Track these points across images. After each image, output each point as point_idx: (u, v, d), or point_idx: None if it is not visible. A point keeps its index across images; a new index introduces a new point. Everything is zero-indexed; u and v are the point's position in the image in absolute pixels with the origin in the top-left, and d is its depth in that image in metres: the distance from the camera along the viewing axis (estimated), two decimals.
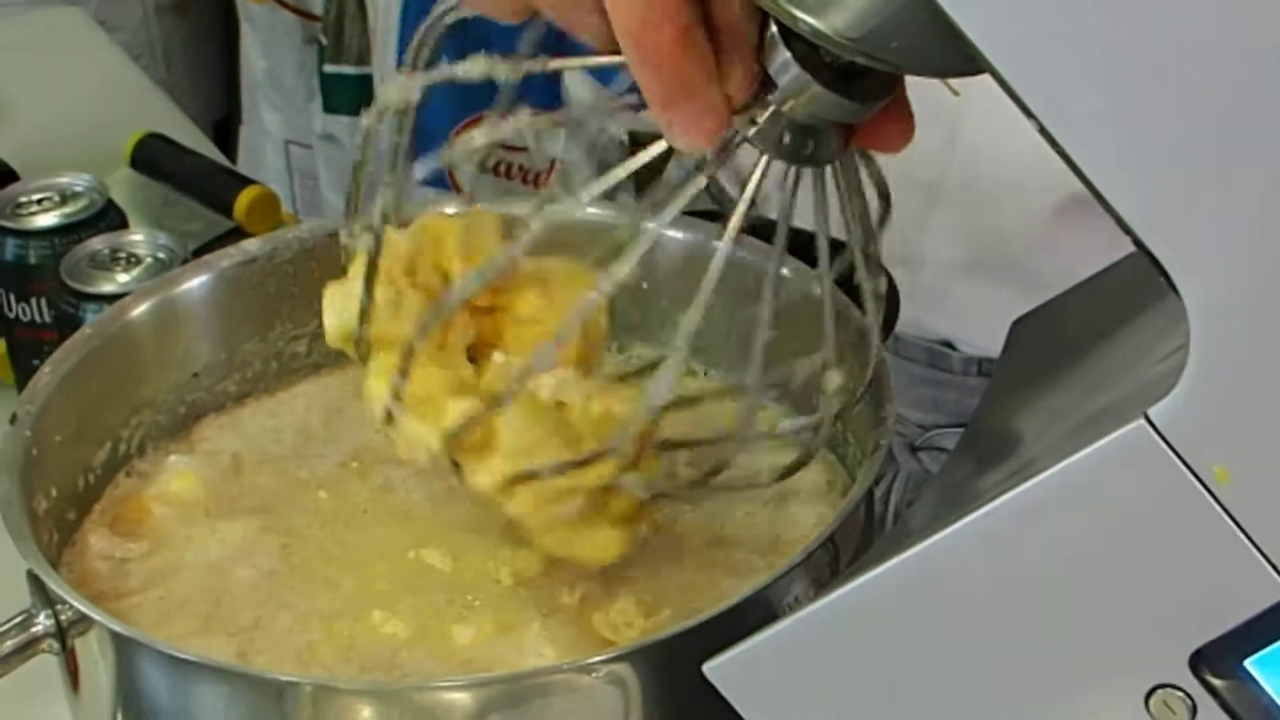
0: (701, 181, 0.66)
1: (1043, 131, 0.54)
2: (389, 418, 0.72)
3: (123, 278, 1.01)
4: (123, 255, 1.03)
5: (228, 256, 0.89)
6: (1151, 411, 0.56)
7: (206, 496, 0.85)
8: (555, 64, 0.66)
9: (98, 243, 1.04)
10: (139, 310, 0.86)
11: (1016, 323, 0.79)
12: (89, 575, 0.81)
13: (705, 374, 0.90)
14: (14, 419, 0.79)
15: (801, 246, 0.70)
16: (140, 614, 0.79)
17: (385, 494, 0.85)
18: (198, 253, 1.06)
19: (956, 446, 0.78)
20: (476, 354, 0.75)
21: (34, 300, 1.08)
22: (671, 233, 0.85)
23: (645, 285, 0.88)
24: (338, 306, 0.73)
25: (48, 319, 1.07)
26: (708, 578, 0.79)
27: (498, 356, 0.74)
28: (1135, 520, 0.58)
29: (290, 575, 0.81)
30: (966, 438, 0.78)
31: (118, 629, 0.71)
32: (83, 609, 0.71)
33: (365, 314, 0.71)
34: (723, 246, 0.64)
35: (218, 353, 0.89)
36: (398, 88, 0.68)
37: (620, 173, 0.66)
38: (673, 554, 0.80)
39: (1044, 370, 0.73)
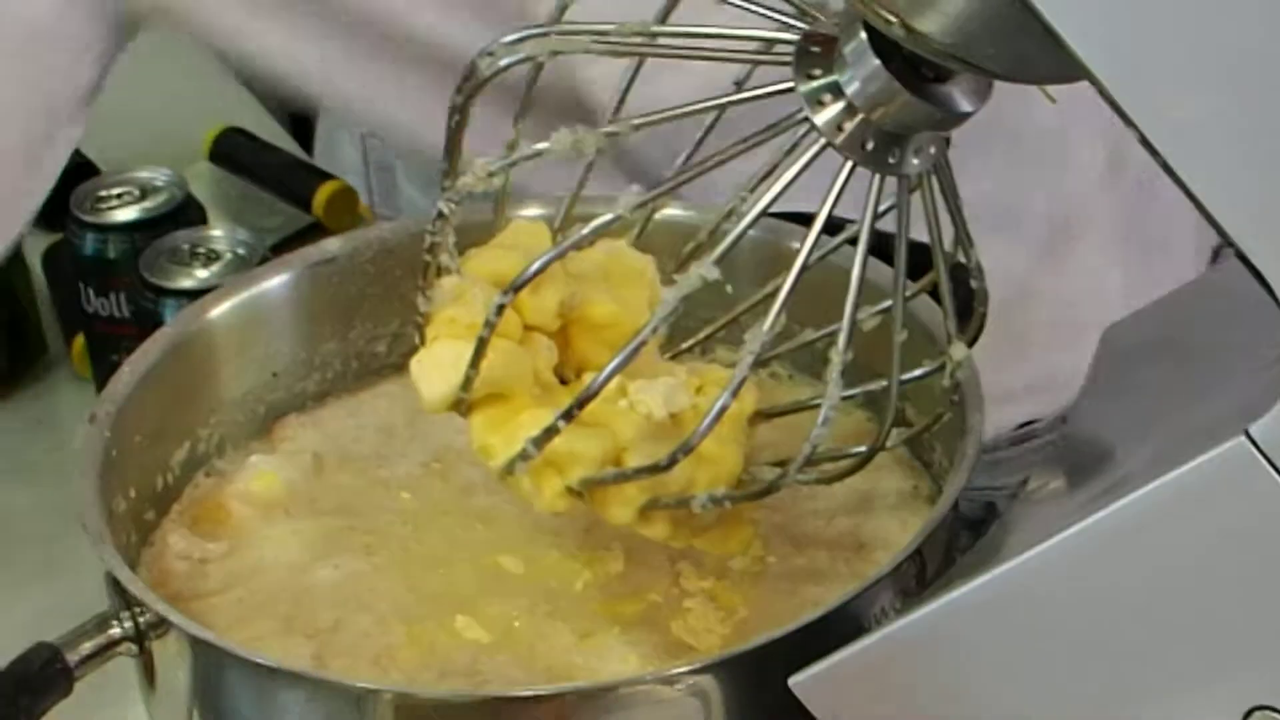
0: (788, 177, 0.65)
1: (1143, 141, 0.53)
2: (513, 467, 0.70)
3: (201, 273, 1.01)
4: (202, 251, 1.03)
5: (308, 255, 0.88)
6: (1252, 428, 0.55)
7: (287, 496, 0.85)
8: (640, 122, 0.65)
9: (177, 238, 1.04)
10: (219, 309, 0.86)
11: (1110, 329, 0.78)
12: (167, 575, 0.81)
13: (790, 377, 0.88)
14: (92, 418, 0.79)
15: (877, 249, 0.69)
16: (219, 615, 0.78)
17: (467, 496, 0.84)
18: (276, 248, 1.06)
19: (1047, 456, 0.77)
20: (566, 378, 0.74)
21: (113, 295, 1.08)
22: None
23: (730, 289, 0.86)
24: (433, 378, 0.71)
25: (127, 314, 1.07)
26: (788, 583, 0.78)
27: (588, 377, 0.73)
28: (1236, 541, 0.57)
29: (371, 576, 0.80)
30: (1057, 448, 0.76)
31: (195, 632, 0.71)
32: (161, 612, 0.71)
33: (470, 381, 0.70)
34: (804, 251, 0.63)
35: (298, 352, 0.88)
36: (478, 178, 0.67)
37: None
38: (750, 556, 0.79)
39: (1138, 380, 0.71)
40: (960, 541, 0.76)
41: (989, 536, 0.72)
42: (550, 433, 0.68)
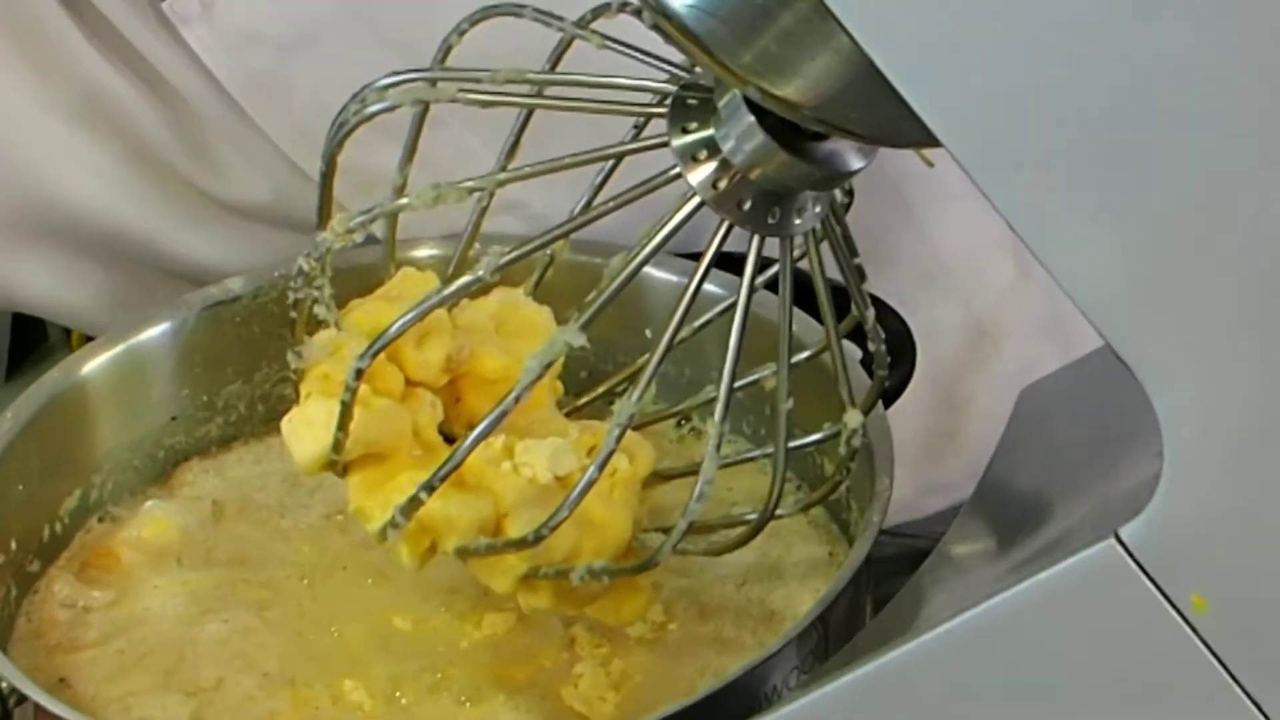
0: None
1: (1010, 224, 0.49)
2: (385, 534, 0.67)
3: None
4: None
5: (209, 295, 0.85)
6: (1123, 531, 0.51)
7: (181, 544, 0.82)
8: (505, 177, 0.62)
9: None
10: (98, 361, 0.82)
11: (1026, 390, 0.74)
12: (48, 624, 0.78)
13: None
14: None
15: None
16: (96, 667, 0.75)
17: (364, 550, 0.80)
18: None
19: (960, 517, 0.73)
20: (455, 435, 0.71)
21: None
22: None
23: (649, 333, 0.83)
24: (303, 439, 0.68)
25: None
26: (691, 651, 0.75)
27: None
28: (1110, 644, 0.53)
29: (261, 632, 0.77)
30: (969, 510, 0.72)
31: (51, 707, 0.68)
32: (17, 685, 0.68)
33: (339, 443, 0.67)
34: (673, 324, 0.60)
35: (198, 395, 0.85)
36: (336, 235, 0.64)
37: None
38: (650, 622, 0.76)
39: (1047, 444, 0.68)
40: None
41: (897, 601, 0.69)
42: (416, 501, 0.64)
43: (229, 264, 0.93)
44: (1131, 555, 0.50)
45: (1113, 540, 0.51)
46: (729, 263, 0.63)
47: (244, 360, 0.86)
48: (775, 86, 0.54)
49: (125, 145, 0.92)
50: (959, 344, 0.98)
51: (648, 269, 0.63)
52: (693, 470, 0.72)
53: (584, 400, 0.76)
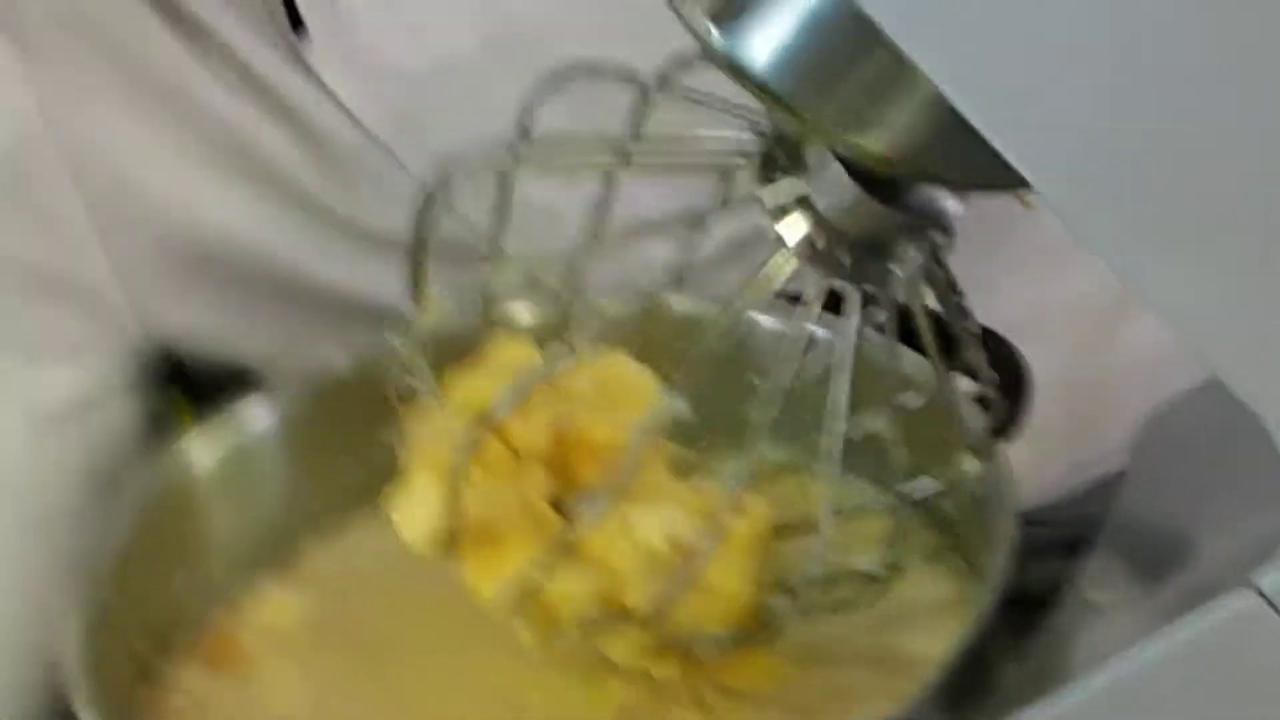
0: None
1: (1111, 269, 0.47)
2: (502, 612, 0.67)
3: None
4: None
5: (311, 372, 0.84)
6: (1262, 580, 0.48)
7: (302, 626, 0.81)
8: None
9: None
10: (206, 445, 0.82)
11: (1153, 415, 0.71)
12: (171, 715, 0.77)
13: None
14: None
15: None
16: None
17: (489, 624, 0.78)
18: None
19: (1095, 555, 0.70)
20: (567, 506, 0.69)
21: None
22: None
23: (756, 381, 0.81)
24: (411, 520, 0.68)
25: None
26: (821, 702, 0.73)
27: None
28: (1259, 696, 0.50)
29: (390, 713, 0.76)
30: (1103, 549, 0.70)
31: None
32: None
33: (448, 523, 0.66)
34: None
35: (309, 474, 0.84)
36: (435, 314, 0.63)
37: None
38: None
39: (1177, 481, 0.65)
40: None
41: (1037, 648, 0.67)
42: (530, 578, 0.63)
43: (376, 294, 0.93)
44: (1273, 606, 0.48)
45: (1251, 590, 0.48)
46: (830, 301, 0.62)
47: (352, 436, 0.84)
48: (861, 139, 0.52)
49: (273, 185, 0.93)
50: (1096, 316, 0.95)
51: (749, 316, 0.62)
52: (809, 524, 0.71)
53: (690, 456, 0.75)
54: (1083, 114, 0.45)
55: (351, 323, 0.91)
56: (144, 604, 0.79)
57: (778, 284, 0.59)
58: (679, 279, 0.61)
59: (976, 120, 0.46)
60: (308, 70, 0.89)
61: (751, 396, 0.77)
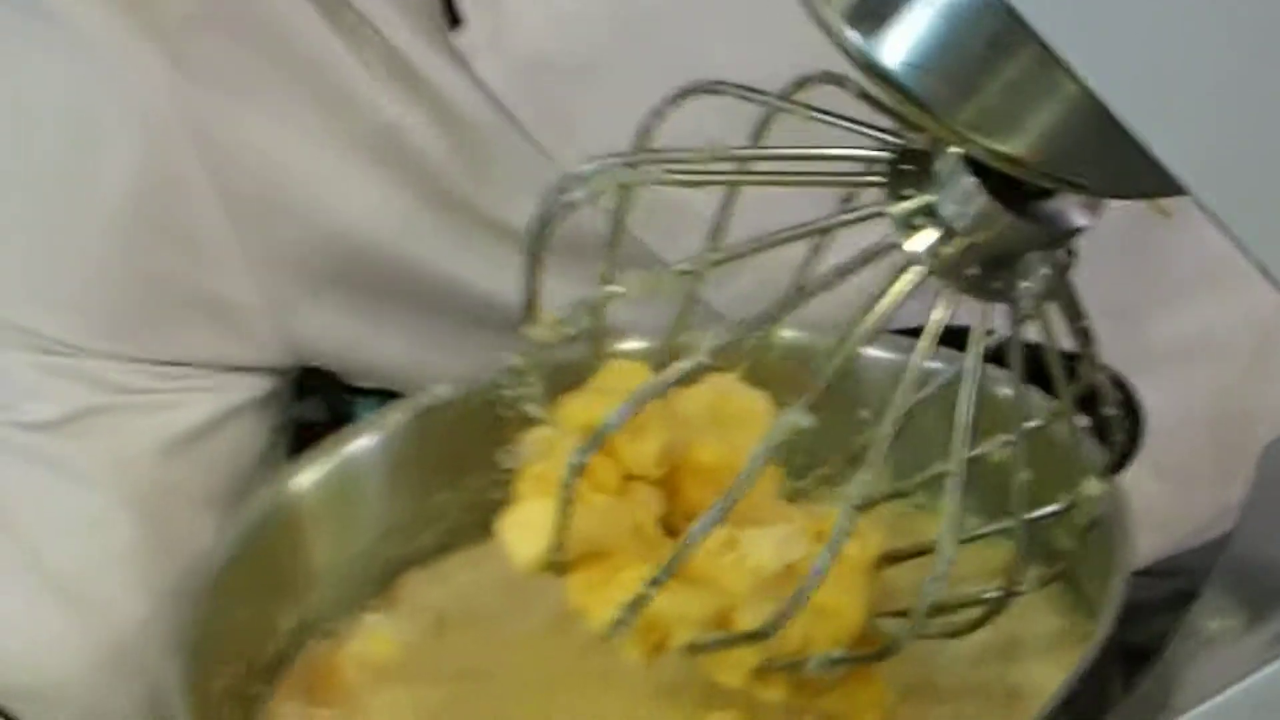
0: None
1: (1263, 270, 0.46)
2: (611, 632, 0.66)
3: None
4: None
5: (418, 402, 0.84)
6: None
7: (404, 657, 0.80)
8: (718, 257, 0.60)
9: None
10: (309, 475, 0.82)
11: (1271, 446, 0.70)
12: None
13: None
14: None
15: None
16: None
17: (588, 655, 0.78)
18: None
19: (1209, 587, 0.69)
20: (676, 528, 0.69)
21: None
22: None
23: (865, 414, 0.80)
24: (522, 541, 0.67)
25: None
26: None
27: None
28: None
29: None
30: (1218, 579, 0.69)
31: None
32: None
33: (559, 543, 0.65)
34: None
35: (411, 504, 0.84)
36: (547, 329, 0.63)
37: None
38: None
39: None
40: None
41: (1150, 680, 0.66)
42: (642, 598, 0.63)
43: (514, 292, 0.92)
44: None
45: None
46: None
47: (455, 466, 0.84)
48: (1000, 143, 0.52)
49: (417, 179, 0.91)
50: (1244, 353, 0.94)
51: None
52: (921, 551, 0.70)
53: (804, 483, 0.74)
54: (1242, 114, 0.44)
55: (488, 326, 0.90)
56: (245, 634, 0.79)
57: (903, 298, 0.59)
58: (803, 292, 0.60)
59: (1130, 121, 0.45)
60: (459, 60, 0.88)
61: (858, 430, 0.78)
